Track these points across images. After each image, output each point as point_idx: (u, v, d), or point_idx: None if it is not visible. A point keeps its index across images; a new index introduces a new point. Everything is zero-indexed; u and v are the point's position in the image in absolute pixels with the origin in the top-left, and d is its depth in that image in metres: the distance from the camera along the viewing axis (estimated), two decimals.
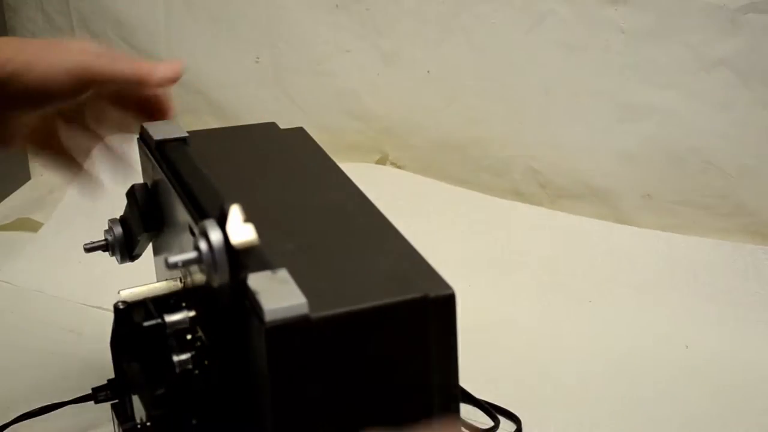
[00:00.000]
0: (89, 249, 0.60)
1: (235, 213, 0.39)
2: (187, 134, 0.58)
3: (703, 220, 1.02)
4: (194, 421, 0.47)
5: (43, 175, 1.18)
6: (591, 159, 1.04)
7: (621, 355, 0.80)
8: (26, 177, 1.17)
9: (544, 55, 1.02)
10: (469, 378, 0.77)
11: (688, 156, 1.00)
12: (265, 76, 1.12)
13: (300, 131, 0.64)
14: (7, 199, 1.10)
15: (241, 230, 0.39)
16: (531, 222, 1.00)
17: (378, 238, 0.50)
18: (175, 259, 0.40)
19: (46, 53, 0.51)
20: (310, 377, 0.42)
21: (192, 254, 0.40)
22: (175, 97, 1.16)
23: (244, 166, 0.59)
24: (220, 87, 1.14)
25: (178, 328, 0.45)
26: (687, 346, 0.80)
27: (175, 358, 0.45)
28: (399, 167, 1.11)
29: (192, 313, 0.45)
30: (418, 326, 0.43)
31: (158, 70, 0.55)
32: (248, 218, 0.41)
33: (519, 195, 1.07)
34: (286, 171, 0.59)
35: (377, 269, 0.46)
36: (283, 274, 0.42)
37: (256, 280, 0.41)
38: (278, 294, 0.40)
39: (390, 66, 1.07)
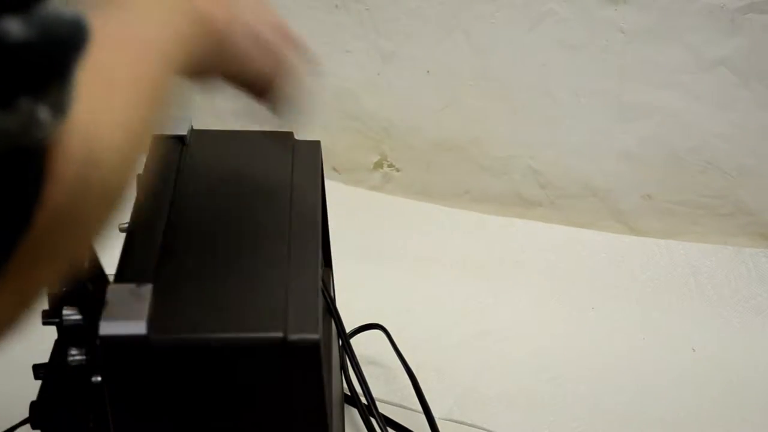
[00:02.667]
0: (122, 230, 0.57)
1: None
2: (185, 133, 0.57)
3: (703, 221, 1.02)
4: (91, 424, 0.45)
5: None
6: (591, 159, 1.04)
7: (627, 361, 0.80)
8: None
9: (544, 55, 1.02)
10: (474, 386, 0.77)
11: (688, 156, 1.00)
12: None
13: (312, 145, 0.61)
14: None
15: None
16: (530, 235, 1.00)
17: (289, 271, 0.46)
18: None
19: None
20: (147, 398, 0.41)
21: None
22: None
23: (222, 174, 0.56)
24: (220, 87, 1.14)
25: (72, 323, 0.43)
26: (694, 350, 0.80)
27: (70, 353, 0.44)
28: (397, 169, 1.11)
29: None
30: (272, 366, 0.41)
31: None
32: (176, 226, 0.40)
33: (519, 195, 1.07)
34: (256, 186, 0.55)
35: (257, 302, 0.43)
36: (145, 289, 0.40)
37: (114, 291, 0.40)
38: (125, 309, 0.39)
39: (390, 66, 1.07)
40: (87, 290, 0.41)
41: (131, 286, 0.41)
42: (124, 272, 0.44)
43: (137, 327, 0.39)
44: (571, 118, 1.04)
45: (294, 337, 0.41)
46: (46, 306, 0.45)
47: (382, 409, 0.67)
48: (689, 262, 0.93)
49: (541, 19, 1.01)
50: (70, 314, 0.42)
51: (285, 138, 0.61)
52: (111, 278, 0.44)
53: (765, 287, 0.89)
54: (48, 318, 0.45)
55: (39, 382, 0.49)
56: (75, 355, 0.43)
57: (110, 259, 0.46)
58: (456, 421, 0.74)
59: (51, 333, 0.48)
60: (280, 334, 0.41)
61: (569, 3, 0.99)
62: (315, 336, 0.41)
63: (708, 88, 0.98)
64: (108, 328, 0.39)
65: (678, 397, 0.74)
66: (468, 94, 1.06)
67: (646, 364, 0.79)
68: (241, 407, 0.43)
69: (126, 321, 0.39)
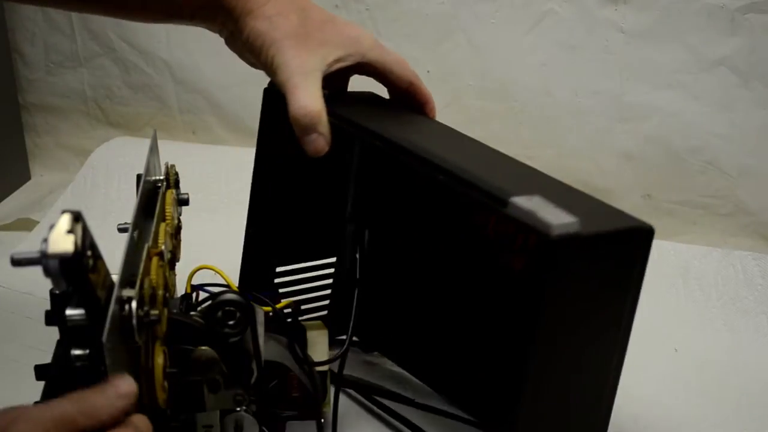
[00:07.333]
0: (121, 230, 0.56)
1: (64, 220, 0.37)
2: None
3: (703, 220, 1.02)
4: None
5: (43, 176, 1.18)
6: (591, 159, 1.04)
7: None
8: (26, 177, 1.17)
9: (544, 55, 1.02)
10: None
11: (688, 156, 1.00)
12: (265, 75, 1.12)
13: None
14: (7, 199, 1.10)
15: (61, 240, 0.37)
16: None
17: (558, 185, 0.58)
18: (19, 255, 0.37)
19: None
20: (571, 288, 0.48)
21: (34, 254, 0.37)
22: (176, 97, 1.16)
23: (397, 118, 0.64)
24: (220, 87, 1.14)
25: (76, 324, 0.42)
26: (676, 350, 0.80)
27: (74, 354, 0.43)
28: None
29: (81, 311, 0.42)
30: (640, 251, 0.50)
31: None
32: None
33: None
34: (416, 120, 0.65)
35: (584, 205, 0.51)
36: (539, 199, 0.47)
37: (522, 202, 0.47)
38: (552, 212, 0.46)
39: None
40: (92, 291, 0.40)
41: (526, 197, 0.47)
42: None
43: (574, 225, 0.45)
44: (571, 118, 1.04)
45: (646, 227, 0.50)
46: (48, 307, 0.45)
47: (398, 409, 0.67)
48: (678, 263, 0.93)
49: (541, 19, 1.01)
50: (75, 315, 0.42)
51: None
52: (114, 278, 0.44)
53: (752, 290, 0.89)
54: (51, 318, 0.45)
55: (42, 383, 0.49)
56: (79, 356, 0.43)
57: (111, 260, 0.46)
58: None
59: (51, 333, 0.48)
60: (648, 226, 0.50)
61: (569, 3, 0.99)
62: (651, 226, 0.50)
63: (708, 88, 0.98)
64: (559, 229, 0.45)
65: (657, 397, 0.74)
66: (468, 94, 1.06)
67: (626, 363, 0.79)
68: (613, 287, 0.51)
69: (566, 221, 0.45)
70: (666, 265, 0.93)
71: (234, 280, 0.66)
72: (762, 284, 0.90)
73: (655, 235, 1.03)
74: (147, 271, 0.46)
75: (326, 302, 0.73)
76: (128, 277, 0.44)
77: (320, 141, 0.56)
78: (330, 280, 0.73)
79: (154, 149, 0.61)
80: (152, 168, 0.59)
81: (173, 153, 0.97)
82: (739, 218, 1.01)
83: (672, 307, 0.87)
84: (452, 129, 0.66)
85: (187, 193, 0.63)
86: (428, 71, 1.06)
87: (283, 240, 0.69)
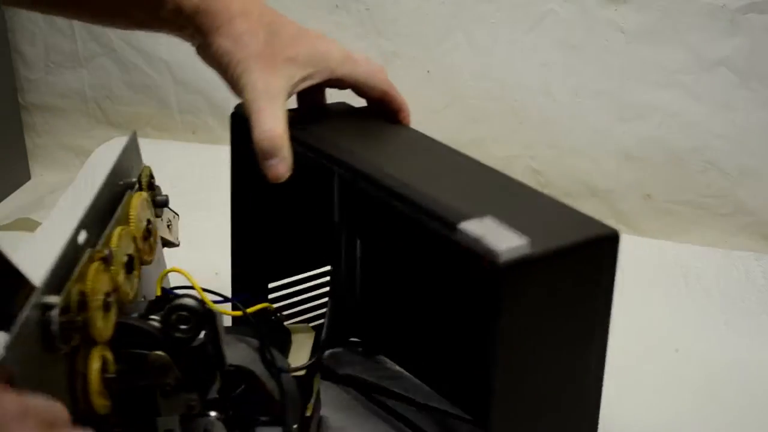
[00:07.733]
0: None
1: None
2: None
3: (703, 221, 1.02)
4: None
5: (43, 175, 1.18)
6: (591, 159, 1.04)
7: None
8: (26, 177, 1.17)
9: (544, 55, 1.02)
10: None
11: (688, 156, 1.00)
12: None
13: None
14: (7, 199, 1.10)
15: None
16: None
17: (522, 192, 0.57)
18: None
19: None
20: (527, 308, 0.47)
21: None
22: (176, 97, 1.16)
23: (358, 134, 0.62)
24: (220, 87, 1.14)
25: None
26: (677, 350, 0.80)
27: None
28: None
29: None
30: (606, 258, 0.50)
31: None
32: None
33: None
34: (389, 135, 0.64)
35: (546, 216, 0.51)
36: (489, 221, 0.46)
37: (471, 227, 0.46)
38: (501, 236, 0.45)
39: (390, 66, 1.07)
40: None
41: (478, 220, 0.46)
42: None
43: (523, 248, 0.45)
44: (571, 118, 1.04)
45: (605, 233, 0.51)
46: None
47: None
48: (679, 264, 0.92)
49: (541, 19, 1.01)
50: None
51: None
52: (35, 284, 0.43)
53: (753, 290, 0.89)
54: None
55: None
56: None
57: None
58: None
59: None
60: (612, 232, 0.50)
61: (569, 3, 0.99)
62: (615, 231, 0.51)
63: (708, 88, 0.98)
64: (507, 254, 0.44)
65: (657, 397, 0.74)
66: (468, 94, 1.06)
67: (627, 363, 0.78)
68: (575, 301, 0.51)
69: (514, 245, 0.44)
70: (666, 266, 0.92)
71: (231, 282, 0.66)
72: (764, 284, 0.90)
73: (655, 235, 1.03)
74: (82, 277, 0.44)
75: (323, 310, 0.72)
76: (56, 282, 0.42)
77: (281, 166, 0.54)
78: (326, 288, 0.72)
79: (130, 150, 0.59)
80: (126, 169, 0.58)
81: (173, 153, 0.98)
82: (739, 218, 1.01)
83: (672, 308, 0.86)
84: (423, 136, 0.65)
85: (167, 195, 0.61)
86: (428, 71, 1.06)
87: (271, 256, 0.68)
